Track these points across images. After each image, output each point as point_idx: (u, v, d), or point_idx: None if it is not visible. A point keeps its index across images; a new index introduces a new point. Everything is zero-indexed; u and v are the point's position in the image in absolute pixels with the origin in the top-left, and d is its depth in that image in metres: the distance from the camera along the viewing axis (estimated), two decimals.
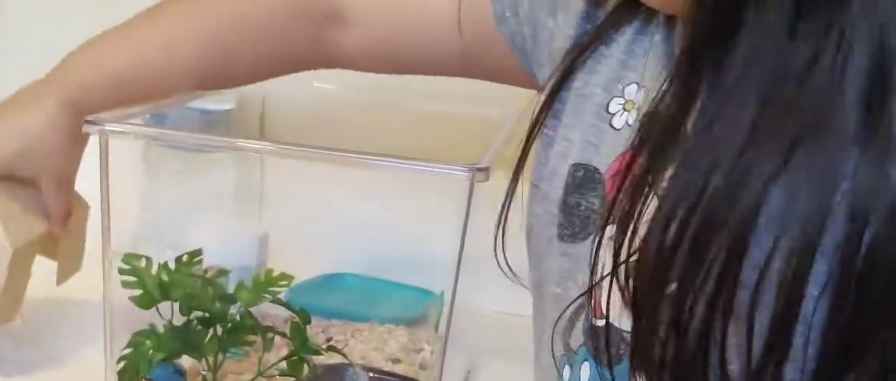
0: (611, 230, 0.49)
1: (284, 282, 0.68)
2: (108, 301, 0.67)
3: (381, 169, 0.64)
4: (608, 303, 0.48)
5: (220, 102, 0.87)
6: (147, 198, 0.90)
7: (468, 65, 0.71)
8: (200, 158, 0.88)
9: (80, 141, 0.74)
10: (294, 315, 0.67)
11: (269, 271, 0.68)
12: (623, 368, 0.50)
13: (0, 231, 0.71)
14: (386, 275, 0.95)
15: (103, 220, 0.65)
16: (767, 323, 0.42)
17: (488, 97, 0.81)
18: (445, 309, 0.65)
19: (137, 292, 0.65)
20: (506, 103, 0.84)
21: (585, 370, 0.53)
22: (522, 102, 0.89)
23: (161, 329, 0.66)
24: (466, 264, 0.64)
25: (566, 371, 0.56)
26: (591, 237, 0.53)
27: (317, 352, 0.67)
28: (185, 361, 0.70)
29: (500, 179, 0.62)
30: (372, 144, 0.63)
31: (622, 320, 0.49)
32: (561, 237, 0.56)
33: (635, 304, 0.44)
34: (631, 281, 0.45)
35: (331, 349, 0.69)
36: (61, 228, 0.76)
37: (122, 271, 0.65)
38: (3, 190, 0.73)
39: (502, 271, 0.60)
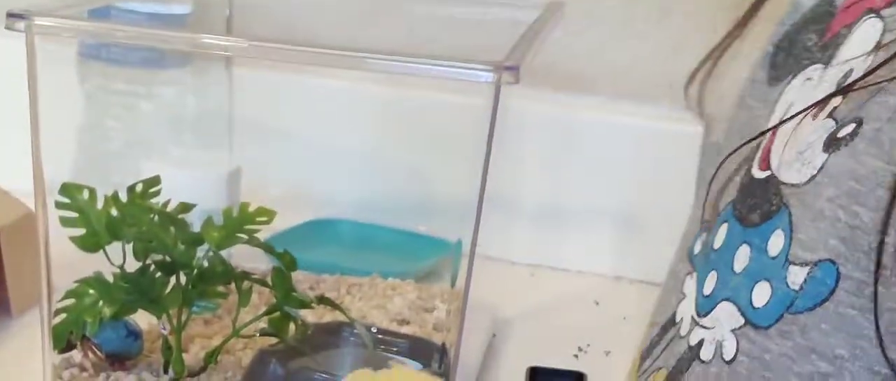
0: (813, 71, 0.49)
1: (264, 219, 0.67)
2: (44, 245, 0.66)
3: (382, 73, 0.63)
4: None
5: (172, 4, 0.85)
6: (87, 128, 0.89)
7: None
8: (152, 75, 0.87)
9: None
10: (276, 262, 0.66)
11: (244, 206, 0.68)
12: (768, 227, 0.50)
13: None
14: (388, 221, 0.95)
15: (33, 141, 0.64)
16: None
17: None
18: (464, 261, 0.65)
19: (80, 230, 0.64)
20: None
21: (722, 232, 0.54)
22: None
23: (110, 279, 0.65)
24: (490, 205, 0.63)
25: (699, 241, 0.56)
26: (788, 79, 0.54)
27: (306, 305, 0.66)
28: (142, 321, 0.69)
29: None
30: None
31: (783, 171, 0.50)
32: (769, 80, 0.57)
33: None
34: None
35: (324, 302, 0.68)
36: None
37: (59, 206, 0.65)
38: None
39: (688, 105, 0.61)
